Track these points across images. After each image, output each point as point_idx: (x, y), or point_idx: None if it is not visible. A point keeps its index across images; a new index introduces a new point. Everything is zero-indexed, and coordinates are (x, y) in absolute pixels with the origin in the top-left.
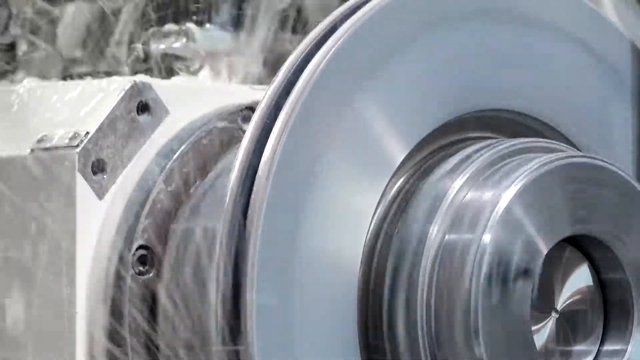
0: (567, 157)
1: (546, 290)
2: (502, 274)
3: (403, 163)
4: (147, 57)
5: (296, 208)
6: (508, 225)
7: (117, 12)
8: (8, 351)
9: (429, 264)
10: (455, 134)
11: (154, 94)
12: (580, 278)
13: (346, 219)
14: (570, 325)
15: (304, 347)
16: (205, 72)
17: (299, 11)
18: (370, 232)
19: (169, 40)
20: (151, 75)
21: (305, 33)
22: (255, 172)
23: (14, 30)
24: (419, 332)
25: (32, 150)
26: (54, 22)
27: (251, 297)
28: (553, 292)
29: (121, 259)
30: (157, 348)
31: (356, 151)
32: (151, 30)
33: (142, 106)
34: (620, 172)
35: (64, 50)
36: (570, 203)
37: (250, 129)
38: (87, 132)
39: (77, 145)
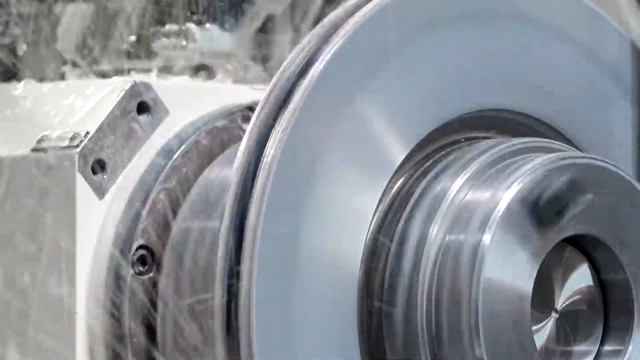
0: (567, 157)
1: (546, 290)
2: (502, 274)
3: (403, 163)
4: (147, 57)
5: (296, 208)
6: (508, 225)
7: (117, 12)
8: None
9: (430, 264)
10: (455, 134)
11: (154, 94)
12: (580, 278)
13: (346, 219)
14: (570, 326)
15: (304, 347)
16: (205, 72)
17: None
18: (370, 232)
19: (169, 40)
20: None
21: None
22: (256, 172)
23: (14, 30)
24: (419, 332)
25: (32, 150)
26: (54, 22)
27: (251, 298)
28: (553, 292)
29: (121, 259)
30: (158, 348)
31: (356, 151)
32: (151, 30)
33: (142, 106)
34: (620, 172)
35: (64, 50)
36: (571, 203)
37: (251, 129)
38: (87, 132)
39: (77, 145)
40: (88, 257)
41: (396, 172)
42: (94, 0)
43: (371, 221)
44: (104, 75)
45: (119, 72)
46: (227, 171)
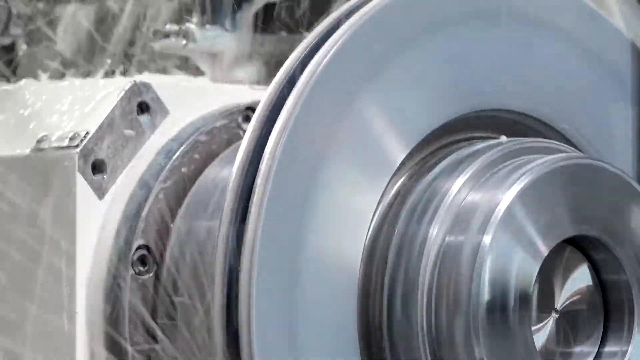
0: (567, 157)
1: (546, 290)
2: (502, 275)
3: (403, 163)
4: (147, 57)
5: (296, 208)
6: (508, 226)
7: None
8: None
9: (430, 264)
10: (456, 134)
11: (154, 94)
12: (581, 278)
13: (346, 219)
14: (571, 326)
15: (304, 347)
16: (205, 72)
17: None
18: (370, 232)
19: (169, 40)
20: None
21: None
22: (256, 171)
23: (14, 30)
24: (419, 333)
25: (32, 150)
26: (54, 22)
27: (251, 298)
28: (553, 292)
29: (121, 259)
30: (157, 348)
31: (356, 151)
32: (151, 30)
33: (142, 106)
34: (620, 172)
35: (64, 50)
36: (571, 204)
37: (251, 129)
38: (87, 132)
39: (77, 145)
40: (88, 257)
41: (396, 172)
42: (94, 0)
43: (371, 221)
44: (103, 75)
45: (119, 72)
46: (227, 171)
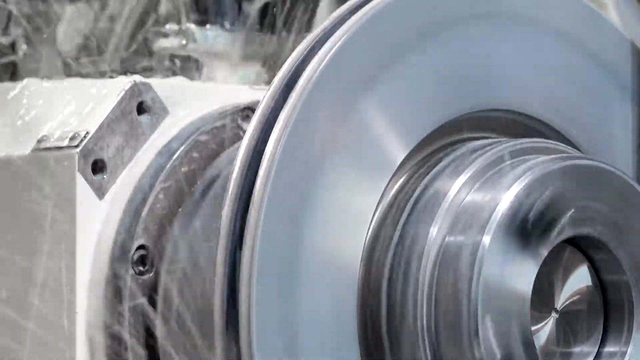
0: (567, 158)
1: (546, 290)
2: (502, 275)
3: (403, 163)
4: (147, 57)
5: (296, 208)
6: (508, 226)
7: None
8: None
9: (430, 264)
10: (456, 134)
11: (154, 94)
12: (580, 278)
13: (346, 219)
14: (570, 326)
15: (303, 347)
16: (205, 72)
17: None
18: (370, 232)
19: (169, 40)
20: (151, 75)
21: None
22: (256, 172)
23: (14, 30)
24: (419, 333)
25: (32, 150)
26: (54, 22)
27: (251, 297)
28: (553, 292)
29: (121, 259)
30: (157, 348)
31: (356, 151)
32: (151, 30)
33: (142, 106)
34: (620, 173)
35: (64, 50)
36: (571, 204)
37: (251, 129)
38: (87, 132)
39: (77, 145)
40: (88, 257)
41: (396, 172)
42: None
43: (371, 221)
44: (103, 75)
45: (118, 72)
46: (227, 171)
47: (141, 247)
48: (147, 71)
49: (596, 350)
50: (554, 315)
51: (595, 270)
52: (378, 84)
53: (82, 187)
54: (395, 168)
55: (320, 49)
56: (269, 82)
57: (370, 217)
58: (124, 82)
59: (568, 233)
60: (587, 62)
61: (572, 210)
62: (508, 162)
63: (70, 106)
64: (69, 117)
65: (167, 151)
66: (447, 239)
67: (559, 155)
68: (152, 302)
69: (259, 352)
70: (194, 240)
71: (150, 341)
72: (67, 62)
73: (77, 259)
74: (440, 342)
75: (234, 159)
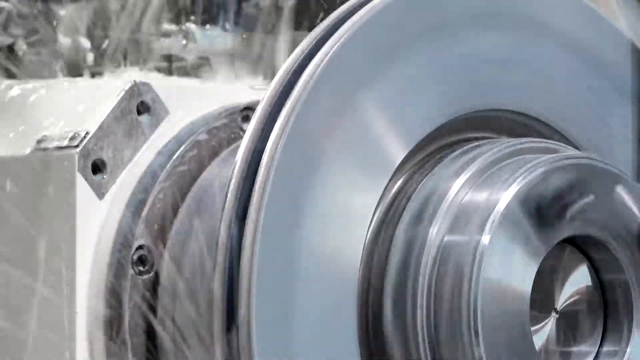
0: (567, 157)
1: (546, 290)
2: (501, 275)
3: (403, 163)
4: (147, 57)
5: (296, 208)
6: (508, 226)
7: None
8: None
9: (429, 264)
10: (455, 134)
11: (154, 94)
12: (580, 278)
13: (346, 219)
14: (570, 326)
15: (303, 347)
16: (205, 72)
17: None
18: (370, 232)
19: (169, 40)
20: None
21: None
22: (256, 171)
23: (14, 30)
24: (419, 332)
25: (32, 150)
26: (54, 22)
27: (251, 297)
28: (553, 292)
29: (121, 259)
30: (157, 348)
31: (356, 151)
32: (151, 30)
33: (142, 106)
34: (619, 172)
35: (64, 50)
36: (570, 203)
37: (251, 129)
38: (87, 132)
39: (77, 145)
40: (88, 257)
41: (396, 172)
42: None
43: (371, 221)
44: (103, 75)
45: (118, 72)
46: (226, 171)
47: (141, 247)
48: (147, 71)
49: (596, 349)
50: (554, 315)
51: (595, 270)
52: (378, 83)
53: (82, 187)
54: (395, 168)
55: (320, 49)
56: (268, 82)
57: (370, 217)
58: (124, 82)
59: (567, 232)
60: (587, 62)
61: (572, 209)
62: (508, 162)
63: (70, 106)
64: (69, 117)
65: (167, 151)
66: (446, 238)
67: (558, 154)
68: (152, 302)
69: (258, 352)
70: (194, 240)
71: (150, 341)
72: (67, 62)
73: (77, 259)
74: (440, 341)
75: (233, 159)
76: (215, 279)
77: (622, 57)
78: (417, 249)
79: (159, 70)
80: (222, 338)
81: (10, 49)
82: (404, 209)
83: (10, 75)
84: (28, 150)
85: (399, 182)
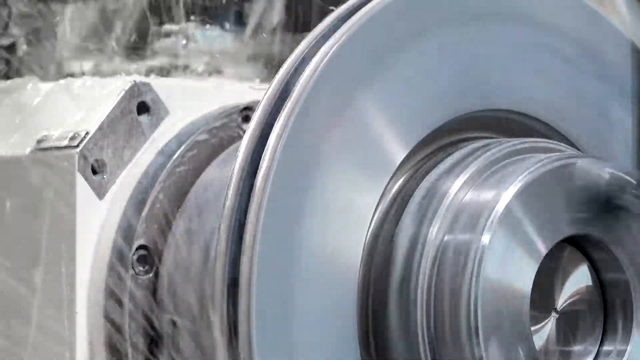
0: (566, 157)
1: (546, 290)
2: (501, 274)
3: (403, 163)
4: (147, 57)
5: (296, 208)
6: (508, 225)
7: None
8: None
9: (429, 264)
10: (455, 134)
11: (154, 94)
12: (580, 278)
13: (346, 218)
14: (570, 326)
15: (303, 347)
16: (205, 72)
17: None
18: (370, 232)
19: (169, 40)
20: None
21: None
22: (256, 171)
23: (14, 30)
24: (419, 332)
25: (32, 150)
26: (54, 22)
27: (251, 297)
28: (553, 292)
29: (121, 259)
30: (157, 347)
31: (356, 151)
32: (151, 30)
33: (142, 106)
34: (619, 172)
35: (64, 50)
36: (570, 203)
37: (251, 129)
38: (87, 132)
39: (77, 145)
40: (88, 257)
41: (396, 172)
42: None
43: (371, 221)
44: (103, 75)
45: (119, 72)
46: (226, 171)
47: (141, 247)
48: (148, 71)
49: (596, 349)
50: (554, 315)
51: (595, 270)
52: (378, 83)
53: (82, 187)
54: (395, 168)
55: (320, 49)
56: (268, 83)
57: (370, 217)
58: (124, 82)
59: (567, 232)
60: (587, 62)
61: (571, 209)
62: (508, 162)
63: (70, 106)
64: (69, 117)
65: (167, 151)
66: (446, 238)
67: (558, 154)
68: (152, 302)
69: (258, 352)
70: (193, 240)
71: (150, 341)
72: (67, 62)
73: (77, 259)
74: (439, 341)
75: (233, 159)
76: (215, 279)
77: (622, 57)
78: (417, 249)
79: (159, 69)
80: (222, 338)
81: (11, 49)
82: (404, 208)
83: (10, 75)
84: (28, 150)
85: (399, 182)
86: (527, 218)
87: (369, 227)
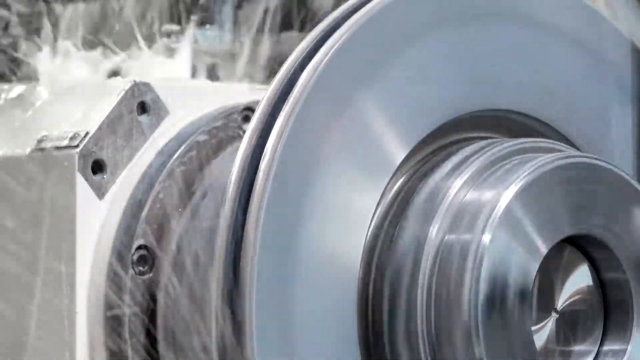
0: (566, 157)
1: (546, 290)
2: (501, 274)
3: (403, 163)
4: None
5: (296, 208)
6: (508, 225)
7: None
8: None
9: (429, 264)
10: (455, 134)
11: (154, 94)
12: (580, 278)
13: (346, 219)
14: (570, 326)
15: (303, 347)
16: (205, 72)
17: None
18: (370, 232)
19: (169, 40)
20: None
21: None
22: (255, 172)
23: (14, 30)
24: (419, 332)
25: (32, 150)
26: (54, 22)
27: (251, 297)
28: (553, 292)
29: (121, 259)
30: (157, 347)
31: (356, 151)
32: (151, 30)
33: (142, 106)
34: (619, 172)
35: (64, 50)
36: (570, 203)
37: (251, 129)
38: (87, 132)
39: (77, 145)
40: (88, 257)
41: (396, 172)
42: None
43: (371, 221)
44: (103, 75)
45: (118, 72)
46: (226, 171)
47: (141, 247)
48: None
49: (596, 349)
50: (554, 315)
51: (595, 269)
52: (378, 83)
53: (82, 187)
54: (395, 168)
55: (320, 49)
56: (268, 83)
57: (370, 217)
58: (124, 82)
59: (567, 232)
60: (587, 62)
61: (572, 209)
62: (507, 162)
63: (70, 106)
64: (69, 116)
65: (167, 151)
66: (446, 237)
67: (558, 154)
68: (152, 302)
69: (258, 352)
70: (194, 240)
71: (149, 341)
72: (67, 62)
73: (77, 259)
74: (440, 341)
75: (233, 159)
76: (216, 278)
77: (622, 57)
78: (418, 249)
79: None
80: (222, 338)
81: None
82: (404, 208)
83: (10, 75)
84: (28, 150)
85: (399, 182)
86: (528, 218)
87: (369, 227)
